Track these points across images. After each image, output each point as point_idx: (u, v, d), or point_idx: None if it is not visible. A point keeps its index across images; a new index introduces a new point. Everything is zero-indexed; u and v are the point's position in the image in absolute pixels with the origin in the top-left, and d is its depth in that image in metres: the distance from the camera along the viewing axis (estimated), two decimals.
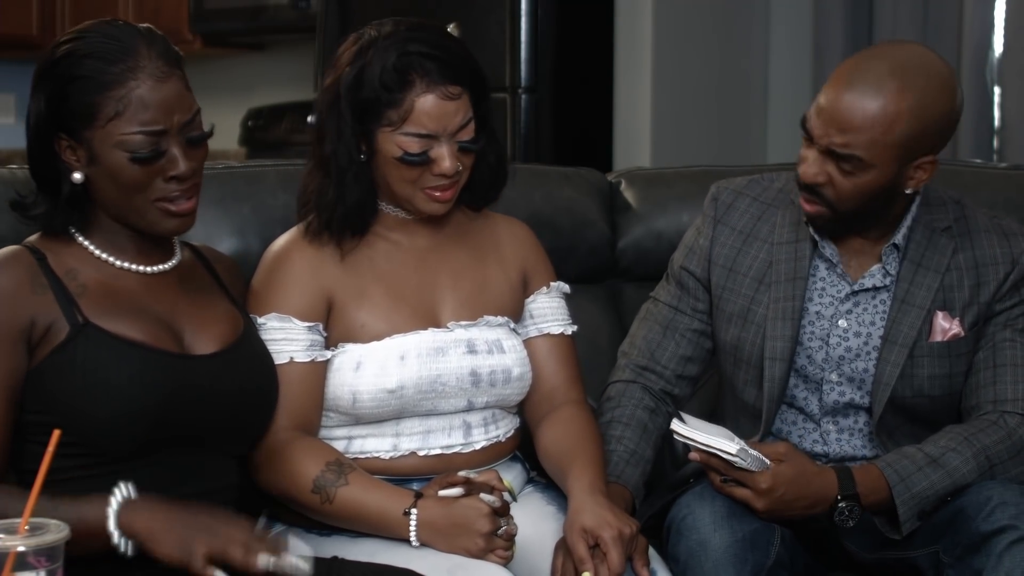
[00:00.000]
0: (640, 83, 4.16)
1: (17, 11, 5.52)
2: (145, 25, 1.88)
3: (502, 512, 1.92)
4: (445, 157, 2.03)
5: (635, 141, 4.18)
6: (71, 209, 1.86)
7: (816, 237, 2.23)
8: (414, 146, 2.02)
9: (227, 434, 1.91)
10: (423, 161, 2.03)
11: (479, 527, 1.89)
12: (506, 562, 1.91)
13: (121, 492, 1.71)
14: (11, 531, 1.44)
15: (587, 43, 4.15)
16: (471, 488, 1.93)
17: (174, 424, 1.82)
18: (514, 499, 1.95)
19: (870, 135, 2.05)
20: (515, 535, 1.94)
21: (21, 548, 1.42)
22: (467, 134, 2.05)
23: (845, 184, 2.09)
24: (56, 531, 1.45)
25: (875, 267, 2.22)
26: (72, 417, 1.77)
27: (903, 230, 2.21)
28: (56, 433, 1.52)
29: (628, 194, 2.78)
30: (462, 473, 1.97)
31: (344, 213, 2.07)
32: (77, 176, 1.84)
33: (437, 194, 2.05)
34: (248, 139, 5.31)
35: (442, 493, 1.93)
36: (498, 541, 1.90)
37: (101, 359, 1.79)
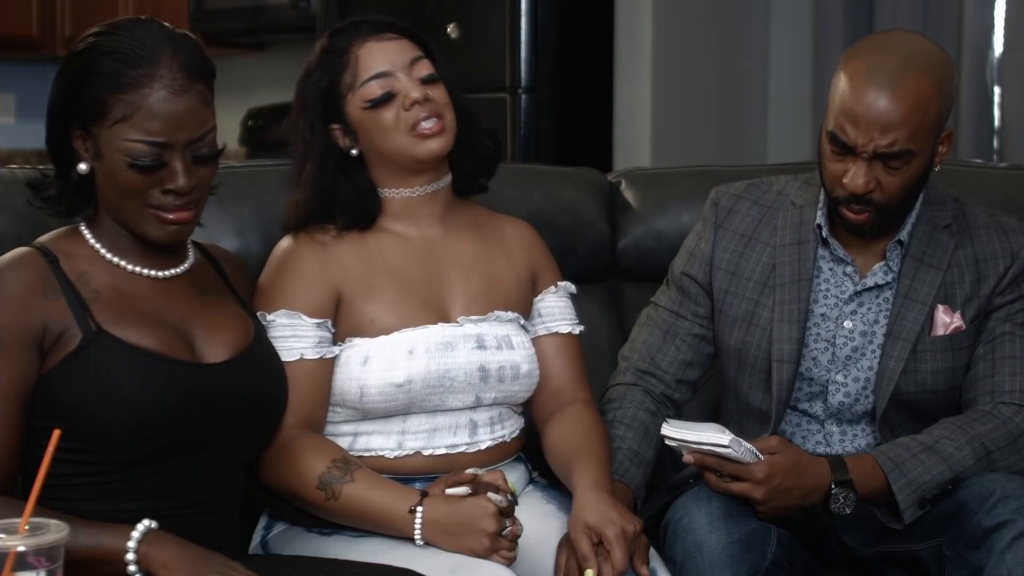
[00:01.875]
0: (640, 83, 4.16)
1: (17, 11, 5.51)
2: (181, 31, 1.88)
3: (507, 513, 1.92)
4: (410, 87, 2.08)
5: (635, 141, 4.18)
6: (76, 197, 1.85)
7: (827, 238, 2.23)
8: (376, 89, 2.08)
9: (236, 440, 1.91)
10: (387, 97, 2.07)
11: (485, 526, 1.88)
12: (509, 563, 1.90)
13: (144, 524, 1.72)
14: (11, 531, 1.44)
15: (587, 43, 4.15)
16: (478, 487, 1.93)
17: (185, 432, 1.82)
18: (516, 502, 1.94)
19: (911, 126, 2.07)
20: (519, 536, 1.93)
21: (21, 548, 1.41)
22: (424, 69, 2.11)
23: (893, 182, 2.10)
24: (56, 531, 1.45)
25: (878, 265, 2.23)
26: (83, 424, 1.77)
27: (908, 227, 2.22)
28: (56, 433, 1.52)
29: (628, 194, 2.78)
30: (470, 470, 1.97)
31: (343, 202, 2.11)
32: (83, 167, 1.83)
33: (424, 131, 2.07)
34: (248, 139, 5.31)
35: (449, 491, 1.93)
36: (502, 541, 1.90)
37: (114, 368, 1.78)
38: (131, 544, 1.71)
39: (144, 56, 1.79)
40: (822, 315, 2.24)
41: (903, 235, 2.22)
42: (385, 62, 2.09)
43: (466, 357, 2.08)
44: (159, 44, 1.81)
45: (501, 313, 2.14)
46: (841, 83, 2.10)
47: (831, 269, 2.25)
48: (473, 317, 2.12)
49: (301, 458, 1.97)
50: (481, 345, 2.10)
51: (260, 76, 5.55)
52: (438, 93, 2.10)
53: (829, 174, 2.14)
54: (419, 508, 1.91)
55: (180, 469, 1.84)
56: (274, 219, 2.38)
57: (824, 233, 2.24)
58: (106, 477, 1.80)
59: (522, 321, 2.18)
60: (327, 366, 2.05)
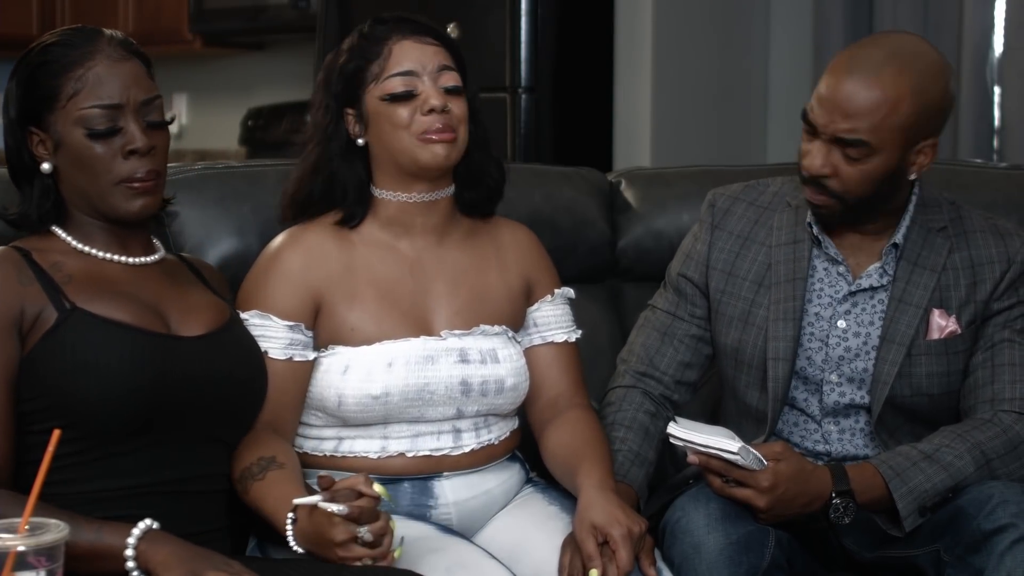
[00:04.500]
0: (640, 83, 4.16)
1: (17, 11, 5.52)
2: (116, 31, 1.96)
3: (362, 519, 1.78)
4: (431, 93, 2.06)
5: (635, 141, 4.18)
6: (43, 202, 1.90)
7: (819, 237, 2.24)
8: (398, 85, 2.07)
9: (216, 418, 1.92)
10: (408, 96, 2.06)
11: (332, 536, 1.77)
12: (390, 563, 1.80)
13: (144, 523, 1.74)
14: (11, 531, 1.44)
15: (587, 43, 4.15)
16: (335, 494, 1.80)
17: (163, 405, 1.84)
18: (391, 501, 1.85)
19: (874, 118, 2.07)
20: (372, 541, 1.78)
21: (21, 548, 1.41)
22: (450, 80, 2.09)
23: (851, 172, 2.11)
24: (56, 531, 1.45)
25: (872, 267, 2.23)
26: (64, 399, 1.80)
27: (902, 229, 2.22)
28: (56, 433, 1.52)
29: (628, 194, 2.78)
30: (323, 473, 1.88)
31: (343, 192, 2.11)
32: (46, 167, 1.89)
33: (433, 136, 2.06)
34: (248, 139, 5.31)
35: (296, 502, 1.83)
36: (357, 549, 1.78)
37: (90, 341, 1.82)
38: (131, 541, 1.72)
39: (83, 39, 1.90)
40: (816, 314, 2.24)
41: (898, 238, 2.22)
42: (415, 62, 2.08)
43: (447, 371, 2.07)
44: (96, 32, 1.92)
45: (487, 327, 2.12)
46: (826, 69, 2.14)
47: (825, 269, 2.25)
48: (457, 331, 2.10)
49: (240, 452, 1.97)
50: (464, 359, 2.08)
51: (260, 76, 5.55)
52: (458, 107, 2.09)
53: (800, 154, 2.18)
54: (289, 515, 1.84)
55: (161, 447, 1.86)
56: (274, 219, 2.38)
57: (816, 231, 2.24)
58: (88, 456, 1.82)
59: (511, 334, 2.17)
60: (296, 369, 2.05)
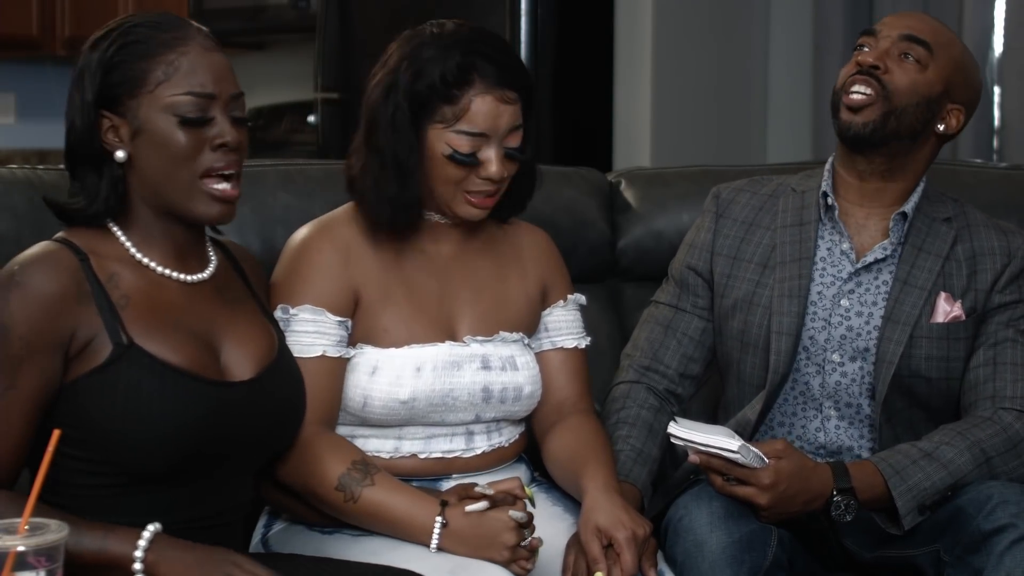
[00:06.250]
0: (640, 83, 4.16)
1: (17, 11, 5.51)
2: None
3: (527, 524, 1.92)
4: (493, 161, 2.03)
5: (635, 141, 4.18)
6: (111, 194, 1.80)
7: (833, 205, 2.26)
8: (465, 145, 2.02)
9: (255, 451, 1.90)
10: (471, 162, 2.02)
11: (505, 540, 1.88)
12: (527, 573, 1.91)
13: (150, 531, 1.70)
14: (11, 531, 1.43)
15: (587, 43, 4.15)
16: (494, 501, 1.92)
17: (207, 448, 1.79)
18: (534, 505, 1.94)
19: (938, 36, 2.25)
20: (539, 548, 1.93)
21: (21, 548, 1.41)
22: (515, 140, 2.06)
23: (903, 73, 2.21)
24: (56, 531, 1.44)
25: (877, 245, 2.25)
26: (106, 437, 1.74)
27: (913, 200, 2.26)
28: (56, 433, 1.51)
29: (628, 194, 2.78)
30: (479, 488, 1.94)
31: (405, 205, 2.04)
32: (120, 154, 1.79)
33: (476, 200, 2.05)
34: (248, 139, 5.30)
35: (468, 509, 1.90)
36: (522, 551, 1.90)
37: (143, 385, 1.74)
38: (138, 554, 1.68)
39: (172, 22, 1.82)
40: (819, 293, 2.26)
41: (908, 207, 2.25)
42: (490, 127, 2.02)
43: (471, 377, 2.07)
44: (182, 19, 1.84)
45: (507, 334, 2.13)
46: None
47: (829, 249, 2.27)
48: (479, 337, 2.10)
49: (321, 458, 1.96)
50: (486, 366, 2.09)
51: (260, 76, 5.54)
52: (511, 168, 2.07)
53: (842, 74, 2.25)
54: (439, 518, 1.90)
55: (197, 482, 1.81)
56: (274, 219, 2.38)
57: (830, 200, 2.26)
58: (122, 490, 1.77)
59: (526, 340, 2.17)
60: (344, 365, 2.04)
